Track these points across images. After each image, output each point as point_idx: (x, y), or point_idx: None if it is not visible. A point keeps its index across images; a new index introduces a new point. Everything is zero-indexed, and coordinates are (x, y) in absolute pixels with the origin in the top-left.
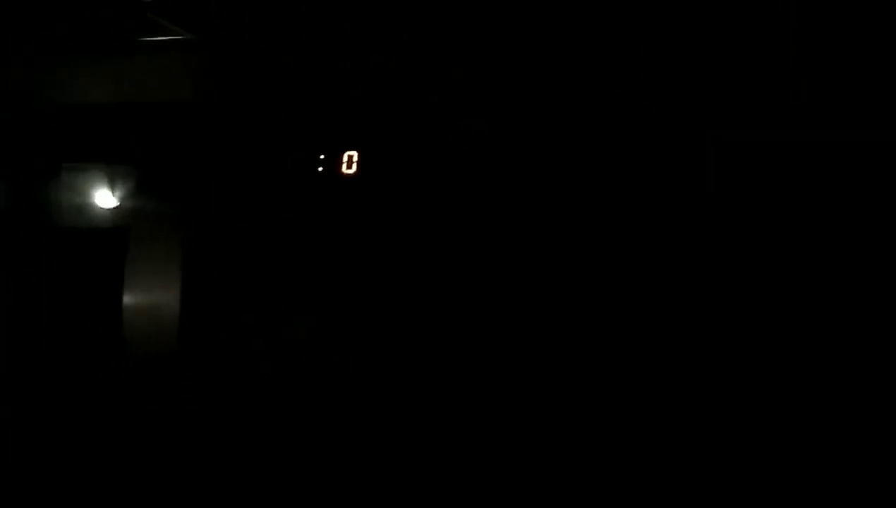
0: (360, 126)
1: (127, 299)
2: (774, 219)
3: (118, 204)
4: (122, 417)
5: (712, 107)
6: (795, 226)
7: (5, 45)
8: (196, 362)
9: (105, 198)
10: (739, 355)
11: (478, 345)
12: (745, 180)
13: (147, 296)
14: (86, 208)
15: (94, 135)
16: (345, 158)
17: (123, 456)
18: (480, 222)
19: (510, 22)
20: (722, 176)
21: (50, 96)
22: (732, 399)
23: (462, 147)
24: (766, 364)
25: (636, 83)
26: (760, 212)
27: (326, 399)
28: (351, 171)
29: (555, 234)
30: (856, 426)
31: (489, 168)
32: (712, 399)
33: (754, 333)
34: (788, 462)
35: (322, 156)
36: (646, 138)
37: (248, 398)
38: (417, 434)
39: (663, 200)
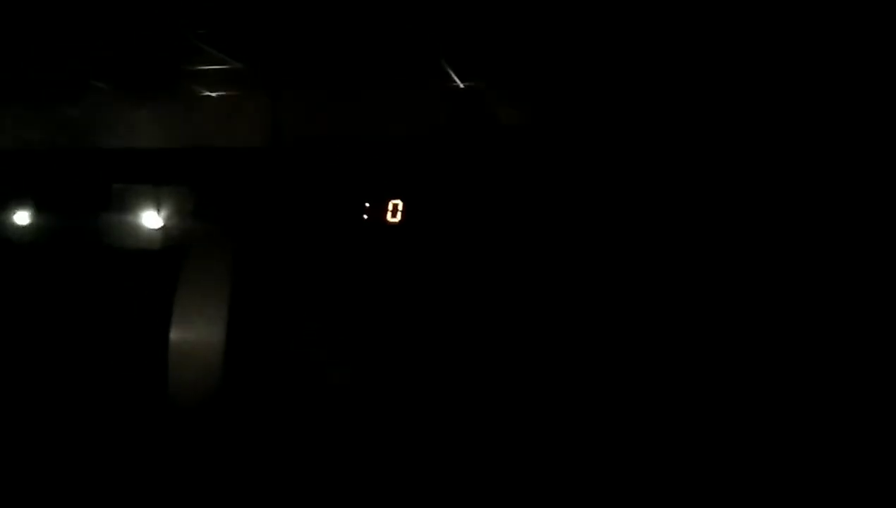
0: (405, 174)
1: (173, 339)
2: None
3: (165, 243)
4: (161, 455)
5: None
6: None
7: (54, 72)
8: (238, 404)
9: (152, 237)
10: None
11: (526, 397)
12: None
13: (192, 337)
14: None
15: (141, 170)
16: (390, 207)
17: (161, 494)
18: (526, 269)
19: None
20: None
21: (95, 123)
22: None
23: (507, 194)
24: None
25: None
26: None
27: (368, 444)
28: (396, 220)
29: (602, 286)
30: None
31: (535, 216)
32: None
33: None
34: (763, 466)
35: (367, 204)
36: None
37: (290, 441)
38: (453, 486)
39: None
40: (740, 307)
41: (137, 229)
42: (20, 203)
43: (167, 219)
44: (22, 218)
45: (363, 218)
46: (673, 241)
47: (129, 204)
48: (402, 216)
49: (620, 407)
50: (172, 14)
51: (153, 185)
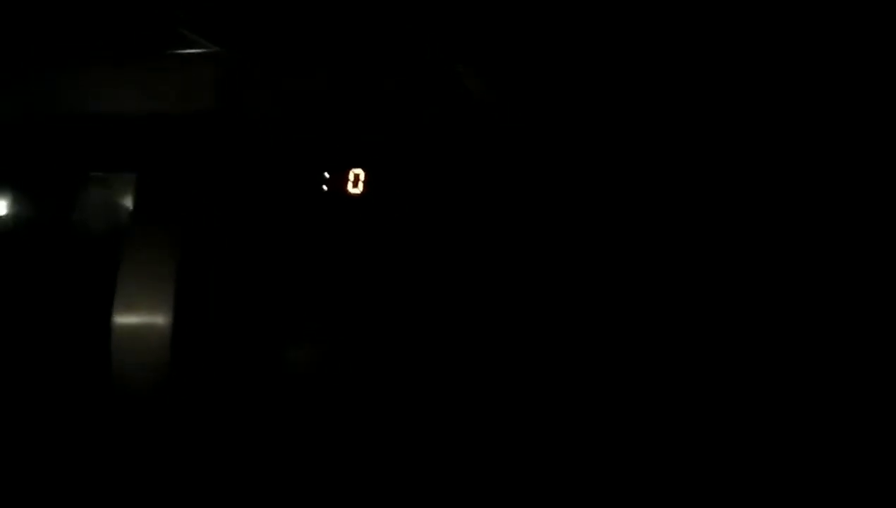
0: (367, 142)
1: (117, 316)
2: None
3: (112, 214)
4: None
5: None
6: None
7: (32, 53)
8: (189, 385)
9: (99, 207)
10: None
11: (488, 368)
12: None
13: (138, 313)
14: (77, 218)
15: (99, 144)
16: (351, 176)
17: (108, 481)
18: (492, 240)
19: (521, 31)
20: None
21: (70, 105)
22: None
23: (474, 164)
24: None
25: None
26: None
27: (329, 422)
28: (357, 190)
29: (566, 249)
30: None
31: (501, 184)
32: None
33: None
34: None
35: (326, 175)
36: None
37: (245, 423)
38: (425, 461)
39: None
40: (719, 299)
41: (74, 207)
42: None
43: (106, 196)
44: None
45: (322, 189)
46: (651, 223)
47: (65, 179)
48: (364, 186)
49: (586, 388)
50: None
51: (92, 158)
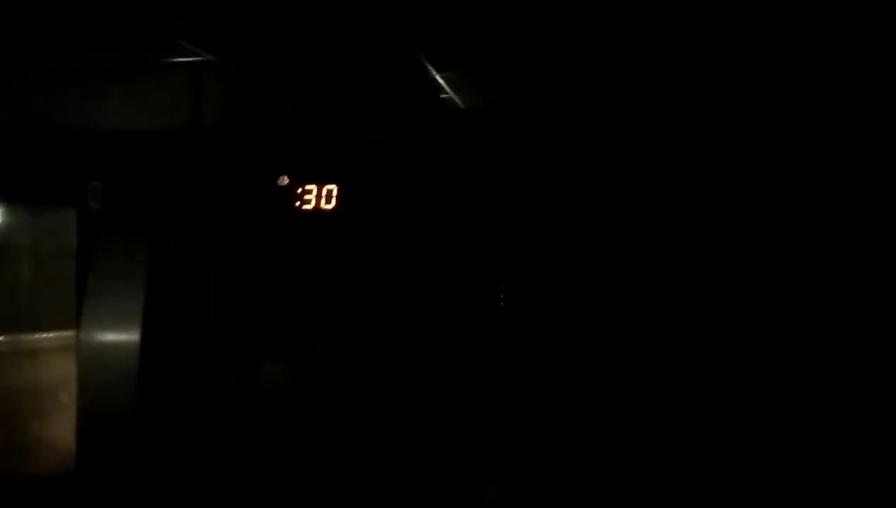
0: (339, 157)
1: (82, 340)
2: None
3: (84, 229)
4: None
5: None
6: None
7: (27, 63)
8: (156, 408)
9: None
10: None
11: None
12: None
13: (105, 333)
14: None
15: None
16: (323, 192)
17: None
18: (471, 257)
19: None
20: None
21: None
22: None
23: (452, 176)
24: None
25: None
26: None
27: (301, 447)
28: (330, 206)
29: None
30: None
31: (479, 199)
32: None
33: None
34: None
35: (299, 191)
36: None
37: (214, 450)
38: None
39: None
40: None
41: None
42: None
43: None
44: None
45: (295, 205)
46: (633, 249)
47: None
48: (336, 202)
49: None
50: None
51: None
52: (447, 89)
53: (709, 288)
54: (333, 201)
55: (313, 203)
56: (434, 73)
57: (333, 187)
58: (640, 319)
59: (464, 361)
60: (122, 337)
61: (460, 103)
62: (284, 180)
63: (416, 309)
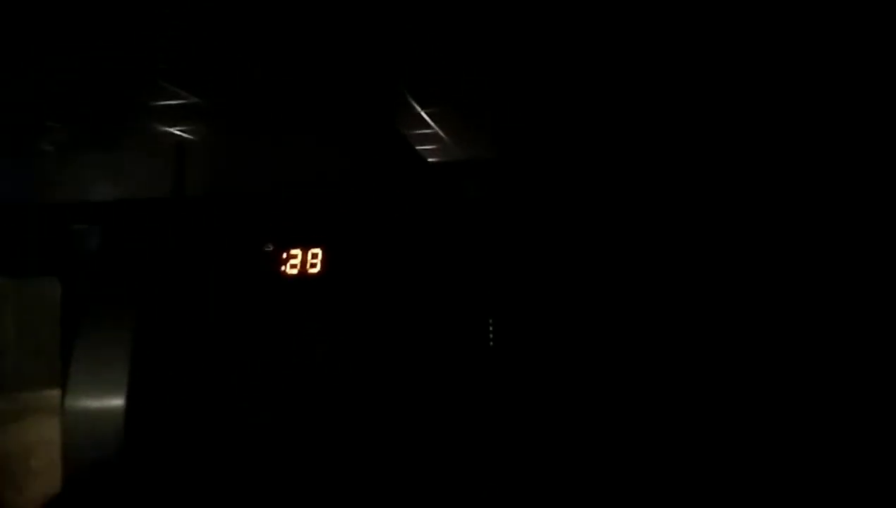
0: (324, 220)
1: (67, 406)
2: None
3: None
4: None
5: None
6: None
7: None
8: (143, 475)
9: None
10: None
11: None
12: None
13: (90, 400)
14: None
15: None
16: (309, 256)
17: None
18: (459, 318)
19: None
20: None
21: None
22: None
23: (437, 239)
24: None
25: None
26: None
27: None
28: (315, 271)
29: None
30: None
31: (465, 261)
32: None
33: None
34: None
35: (284, 255)
36: None
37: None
38: None
39: None
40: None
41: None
42: None
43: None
44: None
45: (280, 270)
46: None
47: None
48: (322, 266)
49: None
50: None
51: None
52: (432, 124)
53: (696, 324)
54: (319, 265)
55: (298, 267)
56: (418, 108)
57: (318, 251)
58: (632, 350)
59: (452, 423)
60: (106, 403)
61: (445, 137)
62: (269, 246)
63: (403, 369)
